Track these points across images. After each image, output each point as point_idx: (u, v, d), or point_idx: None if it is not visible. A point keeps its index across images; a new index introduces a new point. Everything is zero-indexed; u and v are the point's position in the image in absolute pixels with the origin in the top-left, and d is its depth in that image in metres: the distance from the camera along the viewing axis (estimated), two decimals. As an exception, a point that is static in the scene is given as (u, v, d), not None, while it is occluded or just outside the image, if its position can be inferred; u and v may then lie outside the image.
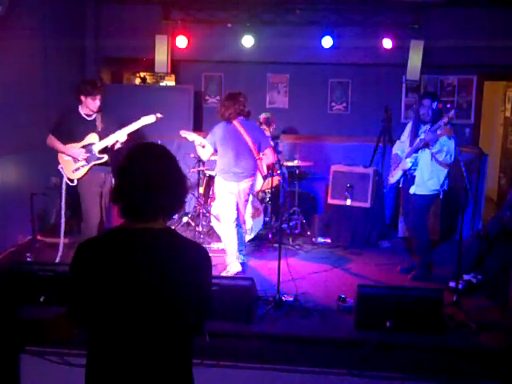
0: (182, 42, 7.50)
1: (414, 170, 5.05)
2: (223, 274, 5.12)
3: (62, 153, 5.03)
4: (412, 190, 5.08)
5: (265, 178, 5.93)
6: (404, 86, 7.88)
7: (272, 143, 5.63)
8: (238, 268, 5.20)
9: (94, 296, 1.83)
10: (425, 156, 4.98)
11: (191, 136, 5.40)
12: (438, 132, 4.82)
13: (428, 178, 4.98)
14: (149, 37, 7.40)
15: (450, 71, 7.86)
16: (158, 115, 5.13)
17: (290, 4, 7.37)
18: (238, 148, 5.16)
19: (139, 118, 5.15)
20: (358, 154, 7.17)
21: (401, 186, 5.31)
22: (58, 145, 5.01)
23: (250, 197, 5.62)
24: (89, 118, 5.07)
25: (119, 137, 5.04)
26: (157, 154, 1.91)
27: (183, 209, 7.08)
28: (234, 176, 5.17)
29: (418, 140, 5.00)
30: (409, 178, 5.13)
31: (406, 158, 5.09)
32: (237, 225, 5.31)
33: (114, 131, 5.05)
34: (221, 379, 3.81)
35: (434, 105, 4.92)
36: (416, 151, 5.00)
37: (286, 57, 7.72)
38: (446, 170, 4.96)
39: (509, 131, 8.94)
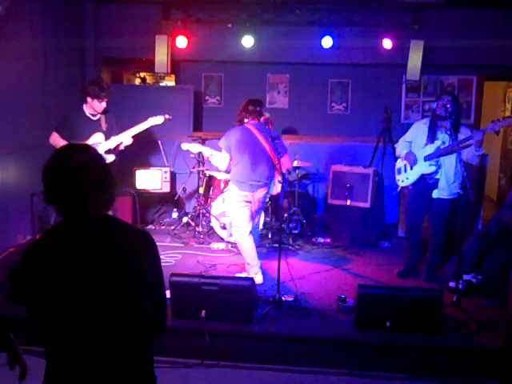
0: (181, 42, 7.50)
1: (435, 173, 4.96)
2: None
3: None
4: (435, 195, 4.98)
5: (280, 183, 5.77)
6: (404, 86, 7.89)
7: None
8: (260, 280, 4.98)
9: (45, 298, 1.81)
10: (450, 160, 4.87)
11: (195, 148, 5.26)
12: (467, 143, 4.75)
13: (452, 181, 4.93)
14: (149, 37, 7.40)
15: (450, 71, 7.86)
16: (167, 116, 5.13)
17: (289, 4, 7.36)
18: (254, 154, 4.87)
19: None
20: (358, 154, 7.16)
21: (410, 187, 5.18)
22: (61, 142, 5.00)
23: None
24: (94, 118, 5.10)
25: (124, 138, 5.04)
26: (75, 150, 1.93)
27: (182, 205, 7.08)
28: (251, 186, 4.90)
29: (438, 143, 4.87)
30: (431, 182, 4.99)
31: (426, 160, 4.94)
32: (250, 232, 5.05)
33: (116, 131, 5.06)
34: (221, 379, 3.82)
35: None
36: (439, 156, 4.94)
37: (286, 57, 7.72)
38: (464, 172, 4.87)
39: (509, 131, 8.93)
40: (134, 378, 1.92)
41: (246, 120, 4.95)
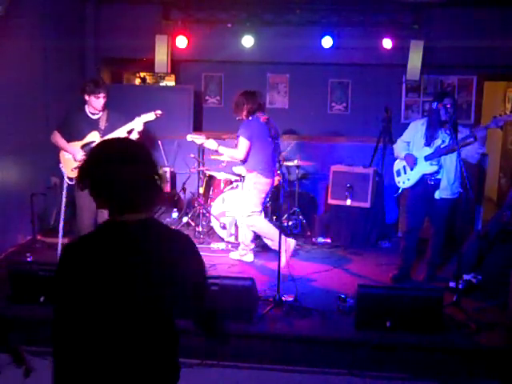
0: (181, 42, 7.50)
1: (437, 173, 4.94)
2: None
3: (62, 149, 5.05)
4: (438, 195, 4.95)
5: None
6: (404, 86, 7.89)
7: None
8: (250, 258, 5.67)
9: (86, 296, 1.79)
10: (451, 160, 4.86)
11: (199, 140, 5.42)
12: (469, 141, 4.75)
13: (453, 181, 4.92)
14: (149, 37, 7.40)
15: (450, 71, 7.86)
16: (158, 112, 5.10)
17: (290, 4, 7.36)
18: (271, 144, 5.20)
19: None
20: (358, 154, 7.16)
21: (410, 188, 5.15)
22: (60, 141, 5.03)
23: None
24: (93, 117, 5.07)
25: (118, 135, 5.03)
26: (131, 145, 1.92)
27: (182, 205, 7.08)
28: (273, 173, 5.38)
29: (438, 142, 4.86)
30: (431, 183, 4.97)
31: (426, 160, 4.93)
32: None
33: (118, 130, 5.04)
34: (221, 379, 3.82)
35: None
36: (440, 156, 4.93)
37: (286, 57, 7.72)
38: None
39: (509, 131, 8.93)
40: (162, 374, 1.92)
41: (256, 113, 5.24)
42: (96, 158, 1.88)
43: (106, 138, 5.02)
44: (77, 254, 1.83)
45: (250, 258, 5.68)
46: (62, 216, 5.27)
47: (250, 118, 5.28)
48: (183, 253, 1.93)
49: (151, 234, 1.90)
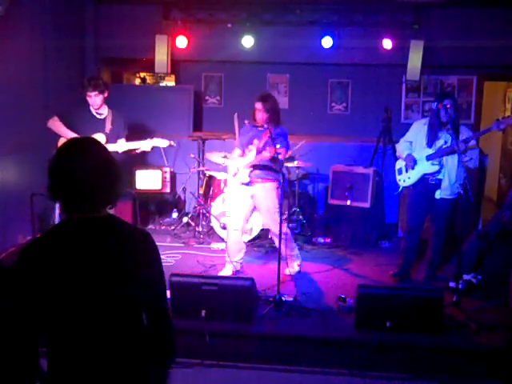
0: (181, 42, 7.50)
1: (438, 173, 4.95)
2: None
3: (62, 135, 4.92)
4: (438, 195, 4.96)
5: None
6: (404, 86, 7.89)
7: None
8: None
9: (48, 295, 1.78)
10: (453, 160, 4.85)
11: (164, 143, 5.16)
12: (471, 143, 4.75)
13: (454, 181, 4.92)
14: (149, 37, 7.40)
15: (450, 71, 7.87)
16: (172, 143, 5.08)
17: (290, 4, 7.37)
18: None
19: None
20: (358, 154, 7.16)
21: (411, 187, 5.15)
22: (61, 127, 4.92)
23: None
24: (99, 117, 5.02)
25: (119, 148, 4.99)
26: (85, 147, 1.92)
27: (182, 205, 7.08)
28: None
29: (440, 142, 4.86)
30: (432, 183, 4.97)
31: (428, 160, 4.93)
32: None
33: (123, 134, 5.02)
34: (221, 379, 3.82)
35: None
36: (441, 156, 4.93)
37: (286, 57, 7.72)
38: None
39: (509, 132, 8.93)
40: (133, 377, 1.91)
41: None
42: (55, 157, 1.91)
43: (120, 142, 5.01)
44: (36, 253, 1.82)
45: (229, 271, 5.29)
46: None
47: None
48: (143, 250, 1.94)
49: (111, 231, 1.90)
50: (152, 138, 5.04)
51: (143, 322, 1.95)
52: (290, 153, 6.05)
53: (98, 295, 1.83)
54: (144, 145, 5.01)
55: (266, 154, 4.68)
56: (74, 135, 4.86)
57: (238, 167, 5.12)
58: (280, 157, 4.65)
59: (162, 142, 5.03)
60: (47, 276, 1.78)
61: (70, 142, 1.96)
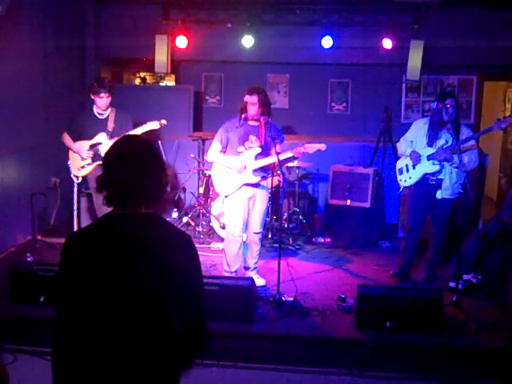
0: (181, 42, 7.50)
1: (439, 173, 4.94)
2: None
3: (69, 148, 5.22)
4: (439, 195, 4.95)
5: None
6: (404, 85, 7.89)
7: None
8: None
9: (88, 286, 1.85)
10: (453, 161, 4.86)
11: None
12: (471, 143, 4.75)
13: (455, 181, 4.92)
14: (149, 37, 7.40)
15: (450, 71, 7.86)
16: (163, 122, 5.15)
17: (290, 4, 7.36)
18: None
19: (140, 119, 5.17)
20: (358, 154, 7.16)
21: (412, 187, 5.14)
22: (68, 141, 5.21)
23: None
24: (100, 117, 5.18)
25: None
26: (137, 144, 1.98)
27: (182, 205, 7.08)
28: None
29: (441, 142, 4.85)
30: (433, 183, 4.97)
31: (428, 160, 4.92)
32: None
33: (125, 132, 5.05)
34: (221, 379, 3.82)
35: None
36: (442, 161, 4.89)
37: (286, 57, 7.71)
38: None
39: (509, 131, 8.93)
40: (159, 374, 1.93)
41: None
42: (105, 156, 1.97)
43: (109, 141, 5.06)
44: (77, 246, 1.89)
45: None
46: (76, 213, 5.39)
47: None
48: (181, 252, 1.95)
49: (150, 228, 1.93)
50: (146, 123, 5.17)
51: (175, 327, 1.96)
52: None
53: (125, 290, 1.86)
54: (137, 132, 5.07)
55: (290, 155, 4.67)
56: (78, 146, 5.16)
57: (245, 164, 4.75)
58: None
59: (153, 125, 5.14)
60: (84, 263, 1.86)
61: (124, 139, 2.03)
